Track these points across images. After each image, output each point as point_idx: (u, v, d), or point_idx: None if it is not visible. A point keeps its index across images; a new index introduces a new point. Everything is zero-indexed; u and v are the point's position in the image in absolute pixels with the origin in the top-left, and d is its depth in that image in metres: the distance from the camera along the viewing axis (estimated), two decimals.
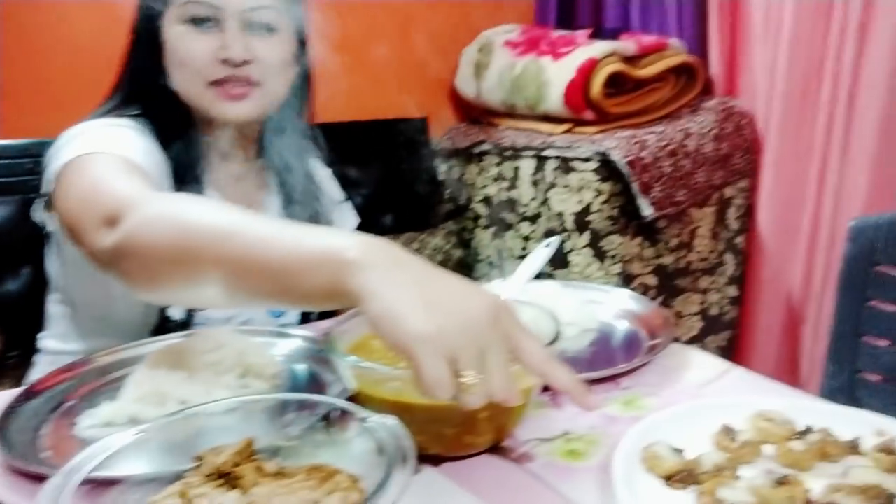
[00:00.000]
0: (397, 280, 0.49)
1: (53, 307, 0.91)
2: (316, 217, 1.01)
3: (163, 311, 0.85)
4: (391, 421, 0.49)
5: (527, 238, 1.74)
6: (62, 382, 0.70)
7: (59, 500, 0.42)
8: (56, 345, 0.90)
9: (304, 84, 0.96)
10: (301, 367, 0.75)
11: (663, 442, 0.56)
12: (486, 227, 1.86)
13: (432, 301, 0.48)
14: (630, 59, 1.70)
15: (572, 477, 0.56)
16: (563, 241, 1.65)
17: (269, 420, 0.56)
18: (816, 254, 1.66)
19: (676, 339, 0.79)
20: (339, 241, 0.52)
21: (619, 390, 0.70)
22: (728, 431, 0.58)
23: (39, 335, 0.93)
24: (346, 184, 1.21)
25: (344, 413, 0.53)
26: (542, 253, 0.73)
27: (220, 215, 0.59)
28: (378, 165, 1.93)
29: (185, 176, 0.87)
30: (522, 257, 1.80)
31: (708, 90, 1.84)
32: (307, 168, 1.02)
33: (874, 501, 0.49)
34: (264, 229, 0.56)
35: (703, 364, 0.75)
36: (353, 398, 0.59)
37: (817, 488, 0.51)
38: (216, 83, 0.86)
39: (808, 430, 0.58)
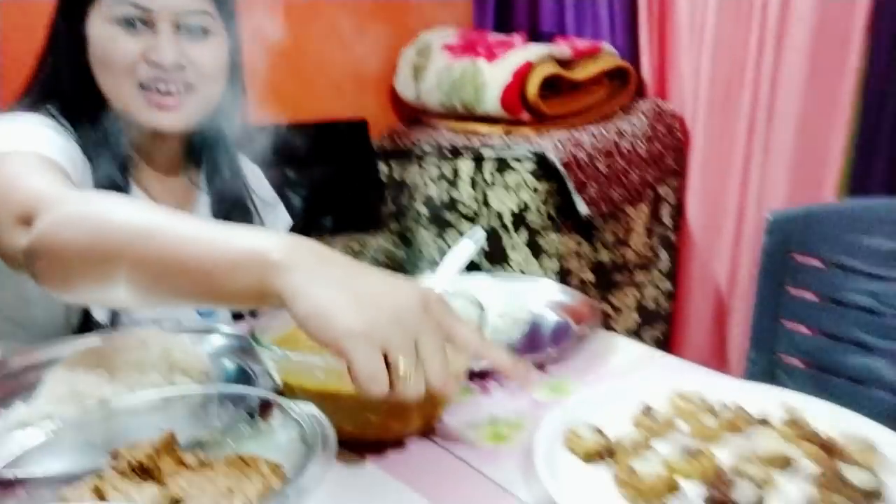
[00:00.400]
0: (323, 279, 0.49)
1: None
2: (247, 218, 1.00)
3: (86, 313, 0.83)
4: (313, 409, 0.49)
5: None
6: None
7: None
8: None
9: (238, 86, 0.95)
10: (230, 364, 0.74)
11: (584, 422, 0.57)
12: (428, 227, 1.88)
13: (360, 296, 0.48)
14: (565, 63, 1.74)
15: (497, 459, 0.57)
16: (501, 239, 1.67)
17: (193, 415, 0.56)
18: (742, 248, 1.74)
19: (612, 329, 0.82)
20: (262, 241, 0.51)
21: (546, 376, 0.71)
22: (646, 410, 0.60)
23: None
24: (286, 185, 1.20)
25: (268, 404, 0.53)
26: (467, 246, 0.74)
27: (140, 214, 0.57)
28: (319, 167, 1.92)
29: (107, 175, 0.85)
30: None
31: (640, 93, 1.90)
32: (238, 169, 1.00)
33: (776, 468, 0.52)
34: (186, 229, 0.55)
35: (627, 350, 0.78)
36: (280, 391, 0.59)
37: (727, 459, 0.53)
38: (145, 87, 0.84)
39: (721, 407, 0.60)
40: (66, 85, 0.86)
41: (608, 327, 1.75)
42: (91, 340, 0.76)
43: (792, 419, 0.58)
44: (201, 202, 0.98)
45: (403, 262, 1.93)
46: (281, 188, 1.13)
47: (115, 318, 0.85)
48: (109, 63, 0.83)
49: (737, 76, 1.68)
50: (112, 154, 0.87)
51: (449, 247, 1.83)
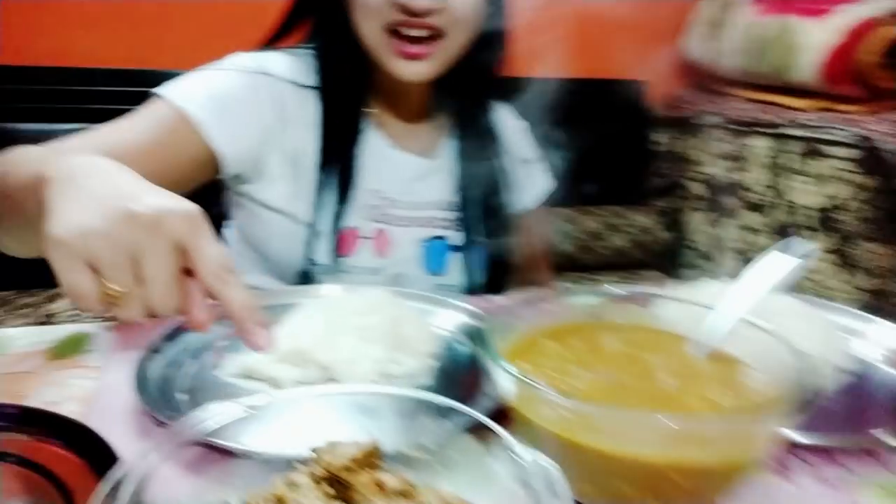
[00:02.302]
0: (78, 189, 0.44)
1: (228, 234, 0.91)
2: (497, 172, 0.91)
3: (308, 255, 0.81)
4: (551, 467, 0.36)
5: (752, 230, 1.48)
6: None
7: (156, 462, 0.36)
8: None
9: (498, 31, 0.84)
10: (461, 349, 0.65)
11: None
12: (703, 210, 1.62)
13: (90, 207, 0.42)
14: None
15: None
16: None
17: (401, 419, 0.46)
18: None
19: None
20: (54, 159, 0.47)
21: (885, 472, 0.49)
22: None
23: None
24: (548, 146, 1.09)
25: (490, 433, 0.41)
26: (787, 263, 0.54)
27: (22, 156, 0.57)
28: (586, 129, 1.76)
29: (346, 118, 0.82)
30: (742, 252, 1.54)
31: None
32: (492, 121, 0.92)
33: None
34: (30, 159, 0.55)
35: None
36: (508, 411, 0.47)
37: None
38: (393, 32, 0.76)
39: None
40: (321, 25, 0.83)
41: None
42: (326, 290, 0.73)
43: None
44: (447, 149, 0.90)
45: (667, 247, 1.71)
46: (543, 147, 1.01)
47: (335, 262, 0.82)
48: (360, 3, 0.77)
49: None
50: (353, 97, 0.83)
51: (725, 238, 1.56)
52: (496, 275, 0.91)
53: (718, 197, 1.55)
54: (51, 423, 0.47)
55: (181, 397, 0.56)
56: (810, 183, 1.34)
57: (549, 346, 0.49)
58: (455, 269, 0.89)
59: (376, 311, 0.64)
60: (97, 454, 0.43)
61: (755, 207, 1.46)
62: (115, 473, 0.35)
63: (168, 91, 0.75)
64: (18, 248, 0.65)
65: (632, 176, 1.82)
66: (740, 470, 0.41)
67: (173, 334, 0.63)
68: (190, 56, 0.86)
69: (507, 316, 0.51)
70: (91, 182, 0.44)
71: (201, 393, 0.56)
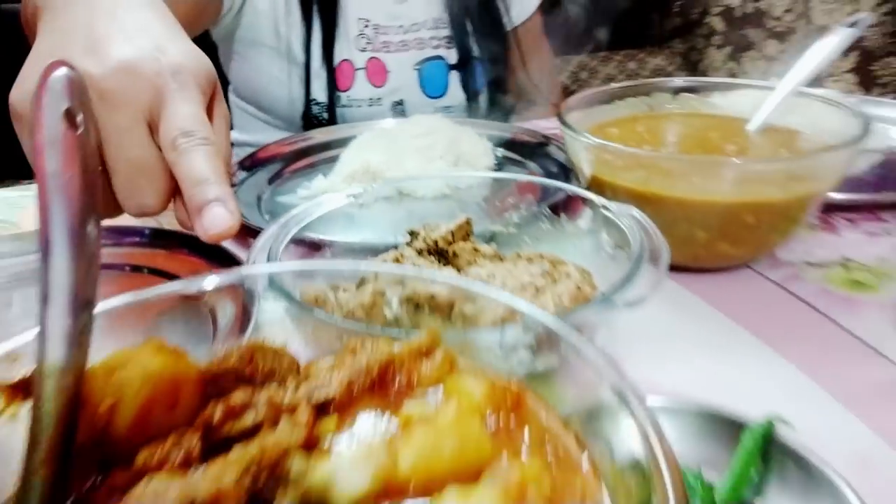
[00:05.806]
0: (57, 24, 0.37)
1: (231, 98, 0.91)
2: None
3: (307, 94, 0.83)
4: (636, 212, 0.40)
5: (770, 59, 1.47)
6: (278, 157, 0.70)
7: (272, 248, 0.40)
8: (236, 135, 0.91)
9: None
10: (518, 161, 0.68)
11: None
12: (721, 46, 1.60)
13: (56, 52, 0.35)
14: None
15: (854, 309, 0.44)
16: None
17: (486, 205, 0.51)
18: None
19: None
20: None
21: None
22: None
23: None
24: None
25: (575, 201, 0.46)
26: (840, 36, 0.56)
27: None
28: None
29: None
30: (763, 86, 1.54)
31: None
32: None
33: None
34: None
35: None
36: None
37: None
38: None
39: None
40: None
41: None
42: (382, 124, 0.75)
43: None
44: None
45: None
46: None
47: (332, 98, 0.83)
48: None
49: None
50: None
51: (744, 73, 1.55)
52: (498, 93, 0.90)
53: (737, 30, 1.53)
54: (179, 238, 0.51)
55: (266, 218, 0.60)
56: (833, 2, 1.32)
57: (613, 133, 0.53)
58: (455, 90, 0.88)
59: (435, 132, 0.67)
60: (220, 257, 0.48)
61: (777, 35, 1.45)
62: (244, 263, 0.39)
63: None
64: None
65: (646, 16, 1.78)
66: (803, 205, 0.45)
67: (250, 165, 0.67)
68: None
69: (583, 110, 0.54)
70: (67, 20, 0.37)
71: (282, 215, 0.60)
